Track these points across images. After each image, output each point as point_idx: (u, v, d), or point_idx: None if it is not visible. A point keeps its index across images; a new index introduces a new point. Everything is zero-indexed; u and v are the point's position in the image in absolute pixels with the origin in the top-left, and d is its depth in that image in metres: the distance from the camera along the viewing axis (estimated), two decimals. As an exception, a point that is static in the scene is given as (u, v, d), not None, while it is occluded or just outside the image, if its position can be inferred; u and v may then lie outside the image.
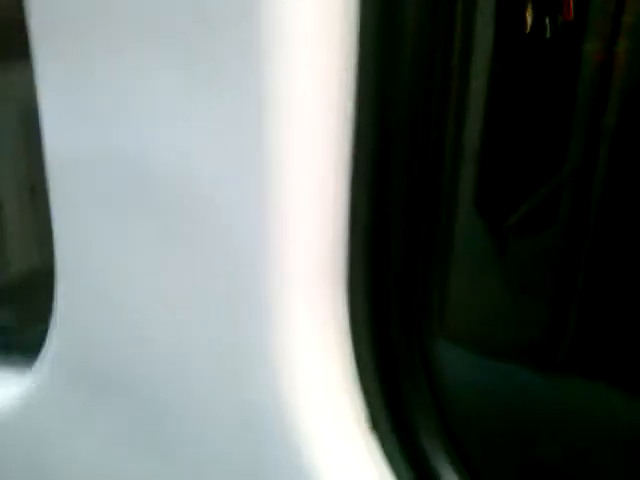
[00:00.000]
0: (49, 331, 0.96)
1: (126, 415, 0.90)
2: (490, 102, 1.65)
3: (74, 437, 0.99)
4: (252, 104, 0.61)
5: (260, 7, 0.58)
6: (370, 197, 0.68)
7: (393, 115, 0.65)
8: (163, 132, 0.69)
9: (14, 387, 1.04)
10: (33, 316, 1.07)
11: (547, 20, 1.75)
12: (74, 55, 0.73)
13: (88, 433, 0.97)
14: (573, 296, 1.51)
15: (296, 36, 0.59)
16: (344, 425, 0.71)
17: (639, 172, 1.42)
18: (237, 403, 0.75)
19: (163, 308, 0.79)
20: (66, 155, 0.80)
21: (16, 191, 2.61)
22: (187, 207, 0.71)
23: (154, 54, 0.67)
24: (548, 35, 1.71)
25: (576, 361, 1.35)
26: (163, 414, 0.85)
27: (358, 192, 0.67)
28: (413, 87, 0.65)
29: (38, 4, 0.74)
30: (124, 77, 0.70)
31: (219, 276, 0.71)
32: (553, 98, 1.66)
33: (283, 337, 0.68)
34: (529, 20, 1.83)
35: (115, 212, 0.78)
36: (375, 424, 0.72)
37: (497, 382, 1.08)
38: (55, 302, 0.92)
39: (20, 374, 1.06)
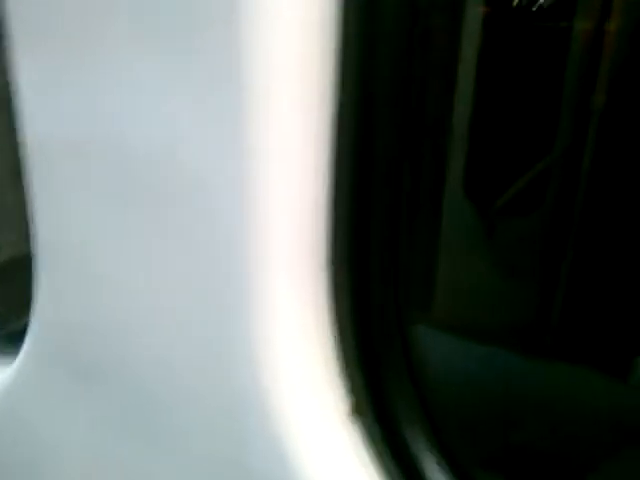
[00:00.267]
0: (30, 318, 0.95)
1: (109, 401, 0.90)
2: (477, 85, 1.64)
3: (58, 423, 0.99)
4: (234, 91, 0.61)
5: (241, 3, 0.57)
6: (352, 180, 0.67)
7: (375, 99, 0.64)
8: (145, 116, 0.68)
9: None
10: (18, 303, 1.06)
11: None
12: (53, 39, 0.72)
13: (72, 419, 0.97)
14: (560, 279, 1.52)
15: (277, 26, 0.58)
16: (326, 413, 0.71)
17: (628, 154, 1.42)
18: (219, 390, 0.75)
19: (145, 294, 0.78)
20: (45, 139, 0.78)
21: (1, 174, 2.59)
22: (170, 192, 0.70)
23: (137, 41, 0.65)
24: (535, 10, 1.69)
25: (562, 345, 1.36)
26: (146, 400, 0.85)
27: (340, 175, 0.67)
28: (396, 73, 0.64)
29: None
30: (106, 61, 0.68)
31: (202, 262, 0.71)
32: (541, 79, 1.65)
33: (264, 324, 0.68)
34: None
35: (96, 197, 0.77)
36: (357, 412, 0.72)
37: (480, 368, 1.09)
38: (35, 289, 0.91)
39: (4, 362, 1.05)
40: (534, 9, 1.72)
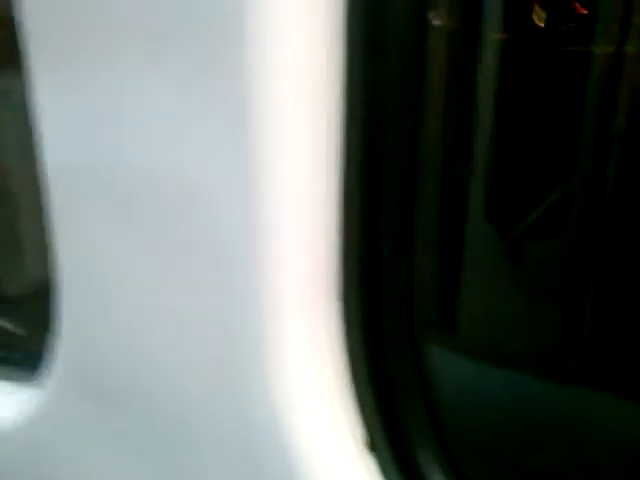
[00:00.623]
0: (53, 343, 0.96)
1: (129, 424, 0.91)
2: (499, 107, 1.64)
3: (78, 445, 1.00)
4: (239, 110, 0.61)
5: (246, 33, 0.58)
6: (362, 207, 0.68)
7: (384, 132, 0.64)
8: (155, 137, 0.69)
9: (21, 398, 1.05)
10: (42, 327, 1.08)
11: (557, 24, 1.73)
12: (70, 66, 0.74)
13: (92, 441, 0.97)
14: (585, 303, 1.49)
15: (282, 43, 0.59)
16: (341, 444, 0.71)
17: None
18: (234, 418, 0.75)
19: (163, 321, 0.79)
20: (62, 165, 0.80)
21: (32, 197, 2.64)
22: (181, 213, 0.71)
23: (146, 63, 0.67)
24: (556, 37, 1.69)
25: (587, 370, 1.33)
26: (164, 426, 0.85)
27: (350, 203, 0.67)
28: (409, 91, 0.64)
29: (34, 20, 0.74)
30: (120, 90, 0.70)
31: (216, 290, 0.71)
32: (562, 102, 1.64)
33: (277, 354, 0.68)
34: (537, 21, 1.81)
35: (112, 221, 0.78)
36: (372, 442, 0.72)
37: (498, 395, 1.07)
38: (58, 314, 0.92)
39: (27, 386, 1.06)
40: (554, 33, 1.72)
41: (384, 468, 0.71)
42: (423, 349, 0.74)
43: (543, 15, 1.79)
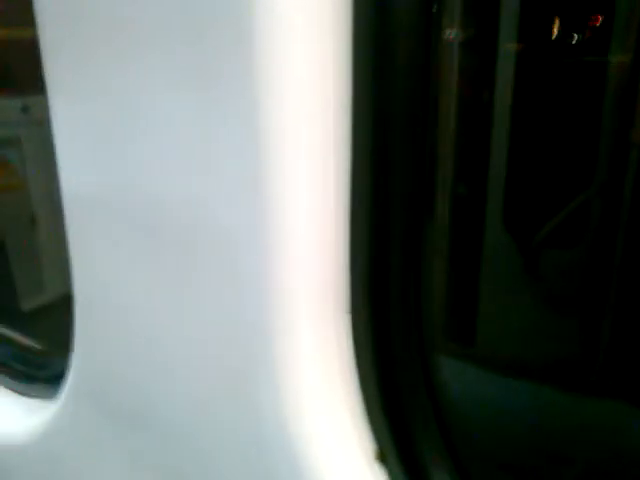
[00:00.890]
0: (70, 361, 0.97)
1: (144, 443, 0.91)
2: (515, 117, 1.63)
3: (94, 463, 1.01)
4: (253, 136, 0.62)
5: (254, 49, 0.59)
6: (371, 221, 0.68)
7: (394, 137, 0.64)
8: (174, 170, 0.70)
9: (38, 415, 1.06)
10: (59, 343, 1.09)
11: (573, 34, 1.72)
12: (89, 95, 0.75)
13: (107, 459, 0.98)
14: (605, 314, 1.47)
15: (289, 58, 0.60)
16: (352, 458, 0.71)
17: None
18: (248, 433, 0.75)
19: (177, 339, 0.80)
20: (80, 193, 0.82)
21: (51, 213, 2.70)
22: (197, 237, 0.72)
23: (164, 99, 0.68)
24: (573, 48, 1.68)
25: (609, 381, 1.31)
26: (179, 443, 0.86)
27: (360, 211, 0.67)
28: (420, 96, 0.64)
29: (51, 50, 0.77)
30: (140, 116, 0.71)
31: (228, 311, 0.72)
32: (580, 112, 1.63)
33: (289, 372, 0.68)
34: (555, 31, 1.81)
35: (127, 247, 0.79)
36: (382, 453, 0.71)
37: (508, 406, 1.05)
38: (74, 334, 0.94)
39: (43, 401, 1.08)
40: (569, 43, 1.71)
41: (394, 480, 0.71)
42: (433, 361, 0.74)
43: (558, 25, 1.79)
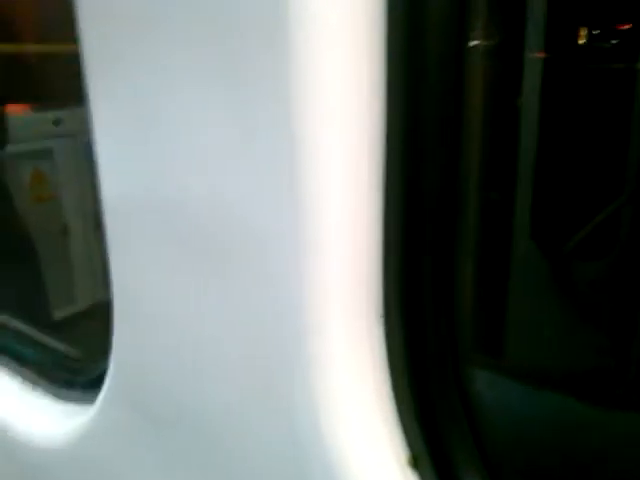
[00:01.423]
0: (108, 366, 1.00)
1: (180, 446, 0.93)
2: (544, 126, 1.63)
3: (133, 467, 1.02)
4: (287, 146, 0.64)
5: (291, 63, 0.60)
6: (404, 225, 0.69)
7: (424, 154, 0.66)
8: (210, 173, 0.72)
9: (77, 419, 1.09)
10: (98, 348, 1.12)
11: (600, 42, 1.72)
12: (129, 102, 0.78)
13: (147, 463, 1.00)
14: (636, 327, 1.45)
15: (324, 82, 0.61)
16: (385, 464, 0.71)
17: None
18: (282, 439, 0.76)
19: (212, 343, 0.81)
20: (119, 201, 0.84)
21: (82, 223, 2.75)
22: (230, 245, 0.73)
23: (198, 103, 0.70)
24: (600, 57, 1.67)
25: (636, 396, 1.29)
26: (215, 448, 0.87)
27: (392, 226, 0.68)
28: (451, 103, 0.65)
29: (91, 56, 0.79)
30: (177, 122, 0.73)
31: (263, 314, 0.73)
32: (608, 120, 1.62)
33: (323, 376, 0.69)
34: (582, 39, 1.80)
35: (165, 249, 0.81)
36: (415, 460, 0.72)
37: (541, 417, 1.05)
38: (113, 339, 0.96)
39: (83, 407, 1.10)
40: (596, 50, 1.71)
41: (427, 486, 0.71)
42: (466, 368, 0.74)
43: (585, 32, 1.78)
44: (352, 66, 0.62)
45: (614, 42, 1.68)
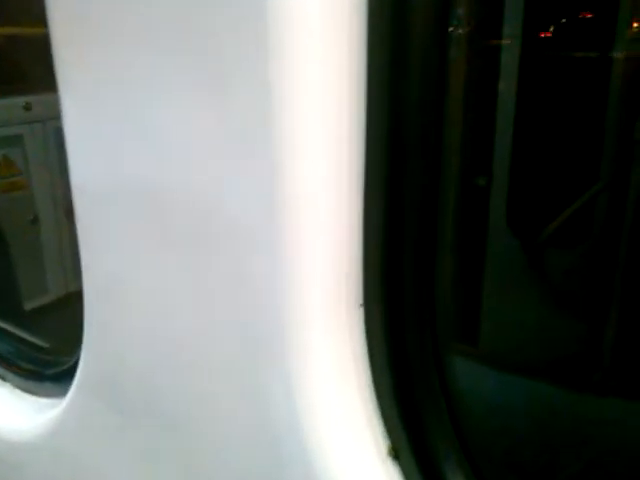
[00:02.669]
0: (80, 356, 0.98)
1: (154, 437, 0.91)
2: (519, 114, 1.63)
3: (105, 457, 1.01)
4: (266, 136, 0.62)
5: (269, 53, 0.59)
6: (385, 215, 0.68)
7: (405, 151, 0.65)
8: (187, 165, 0.71)
9: (47, 413, 1.07)
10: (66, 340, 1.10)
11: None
12: (100, 88, 0.76)
13: (118, 453, 0.98)
14: (610, 312, 1.47)
15: (303, 56, 0.60)
16: (365, 453, 0.71)
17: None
18: (258, 429, 0.75)
19: (188, 334, 0.80)
20: (90, 188, 0.82)
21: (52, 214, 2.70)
22: (205, 234, 0.72)
23: (169, 86, 0.68)
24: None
25: (613, 380, 1.31)
26: (188, 437, 0.86)
27: (374, 212, 0.67)
28: (425, 118, 0.65)
29: (62, 46, 0.77)
30: (147, 113, 0.71)
31: (239, 302, 0.72)
32: (583, 110, 1.63)
33: (302, 365, 0.68)
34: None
35: (137, 237, 0.80)
36: (395, 450, 0.72)
37: (520, 404, 1.06)
38: (84, 329, 0.94)
39: (54, 400, 1.08)
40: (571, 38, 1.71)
41: (408, 477, 0.71)
42: (446, 358, 0.74)
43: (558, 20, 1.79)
44: (333, 61, 0.61)
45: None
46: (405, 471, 0.71)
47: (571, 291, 1.55)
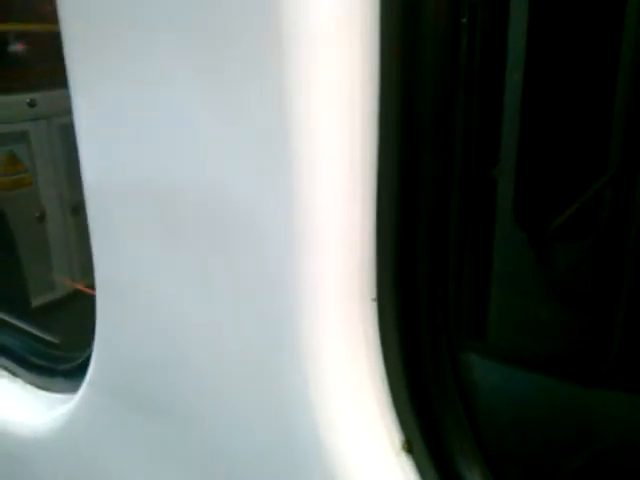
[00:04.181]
0: (92, 353, 0.98)
1: (166, 431, 0.92)
2: (527, 105, 1.62)
3: (117, 453, 1.01)
4: (277, 120, 0.62)
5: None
6: (398, 209, 0.68)
7: (417, 139, 0.65)
8: (198, 161, 0.71)
9: (59, 408, 1.07)
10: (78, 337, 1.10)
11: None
12: (110, 87, 0.76)
13: (130, 449, 0.99)
14: (618, 306, 1.46)
15: (316, 53, 0.60)
16: (379, 448, 0.71)
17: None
18: (273, 424, 0.75)
19: (198, 328, 0.80)
20: (102, 187, 0.82)
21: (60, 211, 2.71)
22: (218, 231, 0.72)
23: (186, 87, 0.68)
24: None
25: (621, 374, 1.31)
26: (201, 433, 0.86)
27: (387, 205, 0.67)
28: (443, 98, 0.65)
29: (73, 43, 0.77)
30: (162, 108, 0.71)
31: (252, 299, 0.72)
32: (592, 101, 1.62)
33: (315, 359, 0.69)
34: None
35: (150, 235, 0.80)
36: (409, 444, 0.72)
37: (536, 397, 1.06)
38: (96, 325, 0.94)
39: (65, 396, 1.09)
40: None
41: (421, 470, 0.71)
42: (460, 351, 0.74)
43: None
44: (346, 59, 0.61)
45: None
46: (419, 464, 0.71)
47: (580, 284, 1.54)
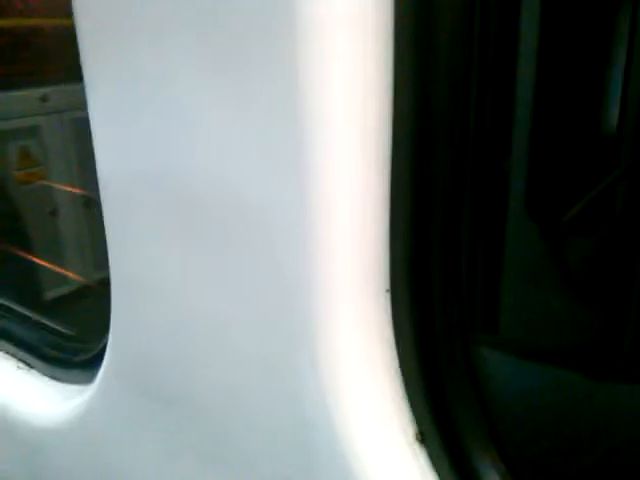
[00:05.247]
0: (107, 345, 0.99)
1: (181, 424, 0.93)
2: (540, 98, 1.61)
3: (131, 445, 1.03)
4: (291, 116, 0.63)
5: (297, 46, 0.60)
6: (412, 203, 0.68)
7: (432, 132, 0.65)
8: (208, 150, 0.71)
9: (75, 399, 1.08)
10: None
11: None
12: (124, 79, 0.76)
13: (144, 441, 1.00)
14: (631, 300, 1.46)
15: (330, 53, 0.60)
16: (393, 439, 0.71)
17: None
18: (288, 417, 0.76)
19: (215, 321, 0.81)
20: (117, 182, 0.83)
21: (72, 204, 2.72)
22: (231, 223, 0.72)
23: (201, 84, 0.69)
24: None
25: (633, 368, 1.30)
26: (216, 425, 0.87)
27: (399, 197, 0.68)
28: (452, 102, 0.65)
29: (88, 36, 0.78)
30: (174, 102, 0.72)
31: (266, 292, 0.72)
32: (605, 95, 1.61)
33: (329, 353, 0.69)
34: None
35: (163, 228, 0.80)
36: (422, 435, 0.72)
37: (549, 390, 1.06)
38: (111, 318, 0.95)
39: (81, 386, 1.10)
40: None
41: (435, 461, 0.71)
42: (474, 343, 0.74)
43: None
44: (359, 55, 0.61)
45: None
46: (432, 455, 0.71)
47: (593, 278, 1.54)
